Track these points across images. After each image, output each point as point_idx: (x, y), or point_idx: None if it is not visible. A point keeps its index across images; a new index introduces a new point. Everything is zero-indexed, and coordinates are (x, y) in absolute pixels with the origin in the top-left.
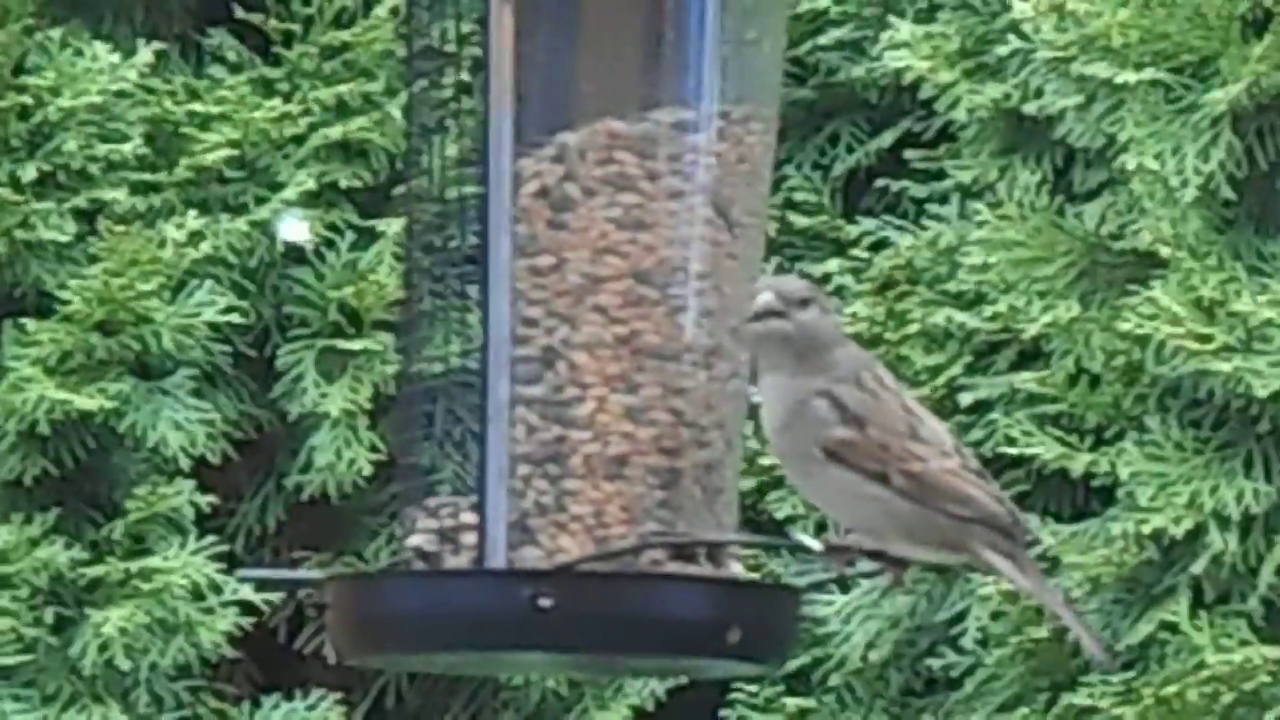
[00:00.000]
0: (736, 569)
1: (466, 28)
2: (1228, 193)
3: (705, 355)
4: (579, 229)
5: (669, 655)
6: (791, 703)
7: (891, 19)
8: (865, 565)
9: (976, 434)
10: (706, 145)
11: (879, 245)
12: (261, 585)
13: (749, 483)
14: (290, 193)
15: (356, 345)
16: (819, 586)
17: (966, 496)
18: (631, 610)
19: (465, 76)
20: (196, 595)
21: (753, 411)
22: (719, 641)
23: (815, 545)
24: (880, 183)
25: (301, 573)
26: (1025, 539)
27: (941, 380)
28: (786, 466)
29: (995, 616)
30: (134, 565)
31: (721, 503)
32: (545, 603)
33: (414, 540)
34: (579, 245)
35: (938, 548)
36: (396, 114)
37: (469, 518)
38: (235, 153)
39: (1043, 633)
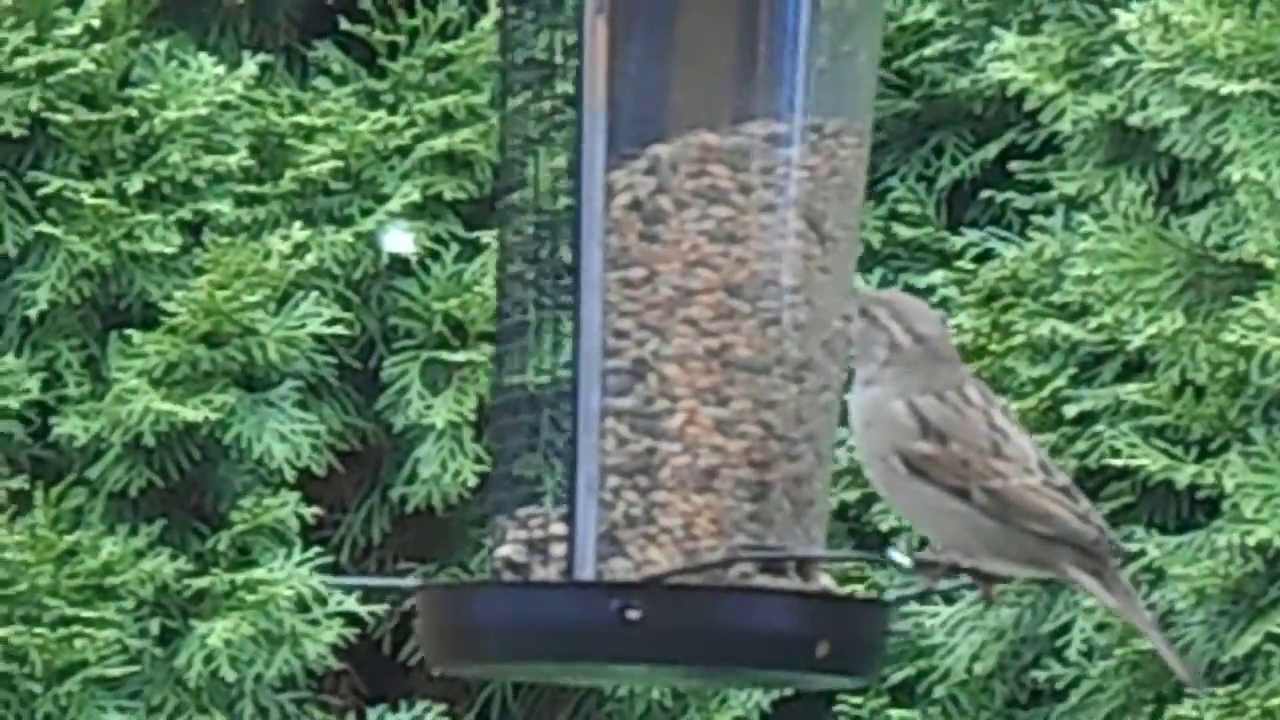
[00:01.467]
0: (826, 582)
1: (562, 40)
2: None
3: (796, 368)
4: (670, 241)
5: (758, 669)
6: (896, 714)
7: (996, 30)
8: (956, 580)
9: (1081, 445)
10: (799, 158)
11: (984, 256)
12: (366, 597)
13: (853, 495)
14: (395, 204)
15: (461, 357)
16: (922, 597)
17: (1048, 514)
18: (720, 623)
19: (560, 89)
20: (301, 607)
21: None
22: (808, 655)
23: (905, 561)
24: (985, 194)
25: (392, 580)
26: (1113, 556)
27: (1046, 392)
28: (871, 473)
29: (1100, 628)
30: (239, 577)
31: (811, 516)
32: (633, 615)
33: (504, 550)
34: (670, 257)
35: (1024, 564)
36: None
37: (559, 529)
38: (340, 164)
39: (1148, 645)
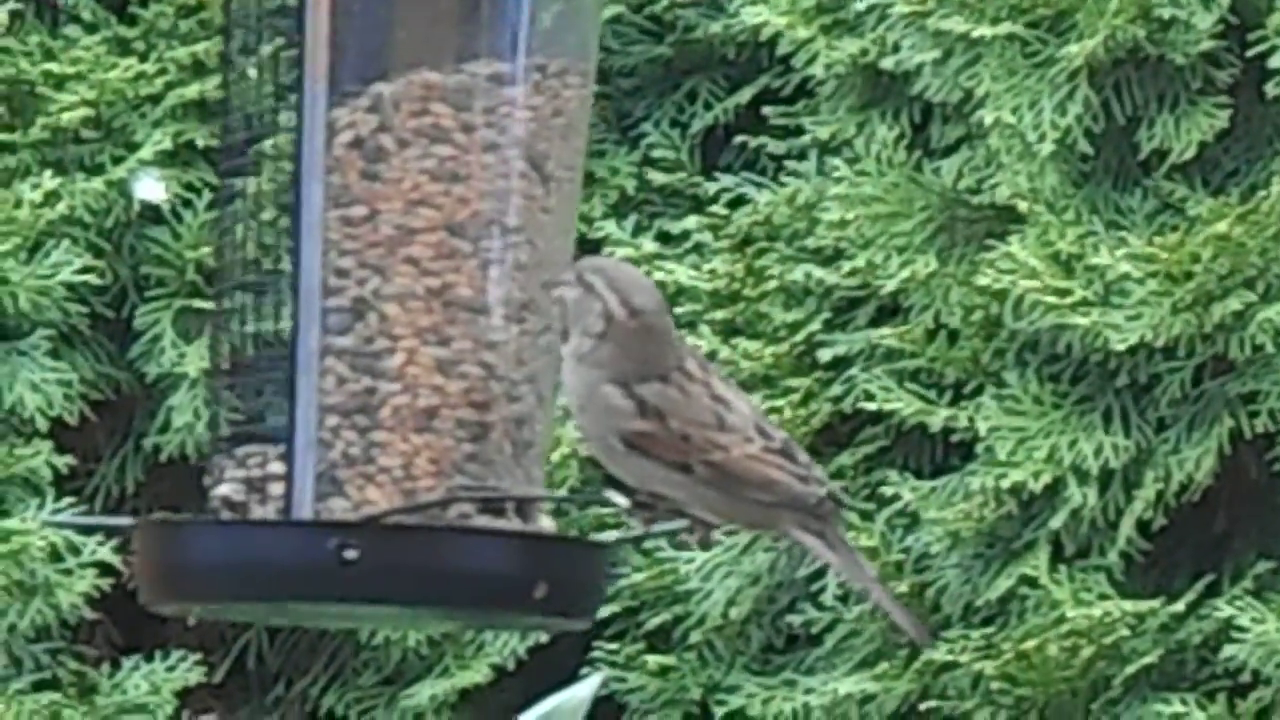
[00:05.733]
0: (546, 524)
1: None
2: (1085, 147)
3: (517, 309)
4: (392, 180)
5: (474, 609)
6: (653, 660)
7: None
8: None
9: (835, 390)
10: (522, 98)
11: (737, 202)
12: (121, 546)
13: None
14: (146, 152)
15: (214, 305)
16: (674, 542)
17: (769, 481)
18: (437, 563)
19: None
20: (55, 557)
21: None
22: (525, 596)
23: (621, 501)
24: (738, 139)
25: (110, 519)
26: (836, 513)
27: (800, 336)
28: (590, 446)
29: None
30: None
31: (531, 457)
32: (351, 555)
33: (222, 489)
34: (392, 196)
35: (747, 526)
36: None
37: (277, 468)
38: (91, 112)
39: (903, 588)
